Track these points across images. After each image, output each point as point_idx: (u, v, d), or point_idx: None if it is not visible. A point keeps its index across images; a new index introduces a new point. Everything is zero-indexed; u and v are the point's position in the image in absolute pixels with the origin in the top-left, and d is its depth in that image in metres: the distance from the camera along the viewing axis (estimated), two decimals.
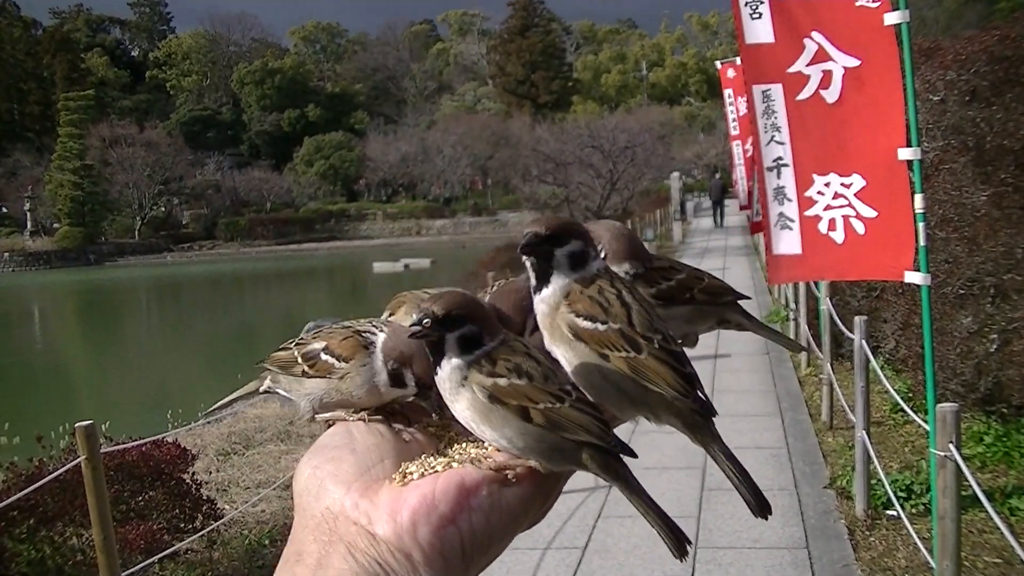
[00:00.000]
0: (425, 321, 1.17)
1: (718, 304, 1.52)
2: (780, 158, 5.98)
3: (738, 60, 19.61)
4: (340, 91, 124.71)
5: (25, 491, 6.66)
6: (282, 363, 1.40)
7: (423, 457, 1.16)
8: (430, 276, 51.78)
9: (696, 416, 1.20)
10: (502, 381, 1.12)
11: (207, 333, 38.35)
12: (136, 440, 8.31)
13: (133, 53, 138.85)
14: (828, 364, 10.89)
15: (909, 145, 5.58)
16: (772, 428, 10.76)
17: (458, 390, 1.14)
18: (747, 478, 1.18)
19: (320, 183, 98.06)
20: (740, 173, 20.09)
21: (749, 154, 18.60)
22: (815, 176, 5.89)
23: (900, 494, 8.05)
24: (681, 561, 1.14)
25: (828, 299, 10.85)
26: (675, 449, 9.69)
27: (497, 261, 28.42)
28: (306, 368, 1.35)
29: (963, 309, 9.04)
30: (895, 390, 8.91)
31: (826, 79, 5.71)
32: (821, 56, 5.71)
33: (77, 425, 6.09)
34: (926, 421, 6.12)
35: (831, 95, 5.74)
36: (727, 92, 20.03)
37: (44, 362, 33.40)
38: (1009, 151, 9.17)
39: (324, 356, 1.33)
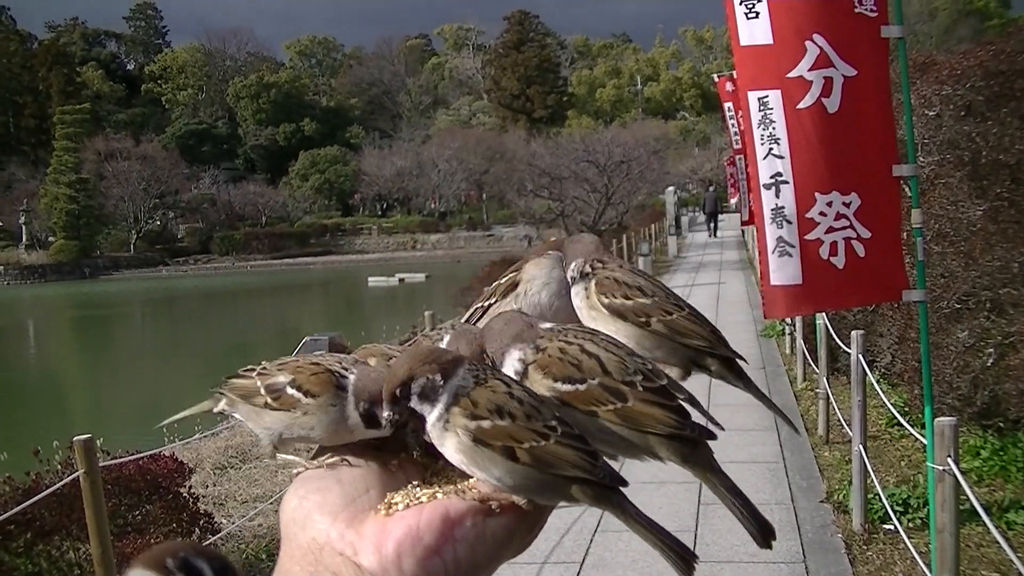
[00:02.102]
0: (387, 420, 1.20)
1: (680, 343, 1.40)
2: (779, 174, 5.47)
3: (735, 74, 19.68)
4: (335, 105, 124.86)
5: (23, 505, 6.65)
6: (243, 391, 1.36)
7: (409, 487, 1.17)
8: (425, 290, 51.75)
9: (695, 450, 1.20)
10: (485, 423, 1.12)
11: (202, 347, 38.26)
12: (133, 454, 8.29)
13: (129, 67, 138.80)
14: (824, 378, 10.91)
15: (904, 161, 5.53)
16: (768, 442, 10.76)
17: (443, 435, 1.14)
18: (751, 509, 1.19)
19: (315, 197, 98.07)
20: (743, 188, 19.91)
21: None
22: (817, 194, 5.42)
23: (897, 508, 8.06)
24: None
25: (824, 313, 10.85)
26: (672, 464, 9.69)
27: (492, 275, 28.15)
28: (269, 400, 1.31)
29: (959, 323, 9.05)
30: (891, 404, 8.93)
31: (827, 86, 5.34)
32: (823, 61, 5.33)
33: (75, 439, 6.10)
34: (923, 435, 6.12)
35: (832, 104, 5.35)
36: (727, 105, 19.87)
37: (39, 376, 33.38)
38: (1005, 165, 9.21)
39: (290, 390, 1.29)
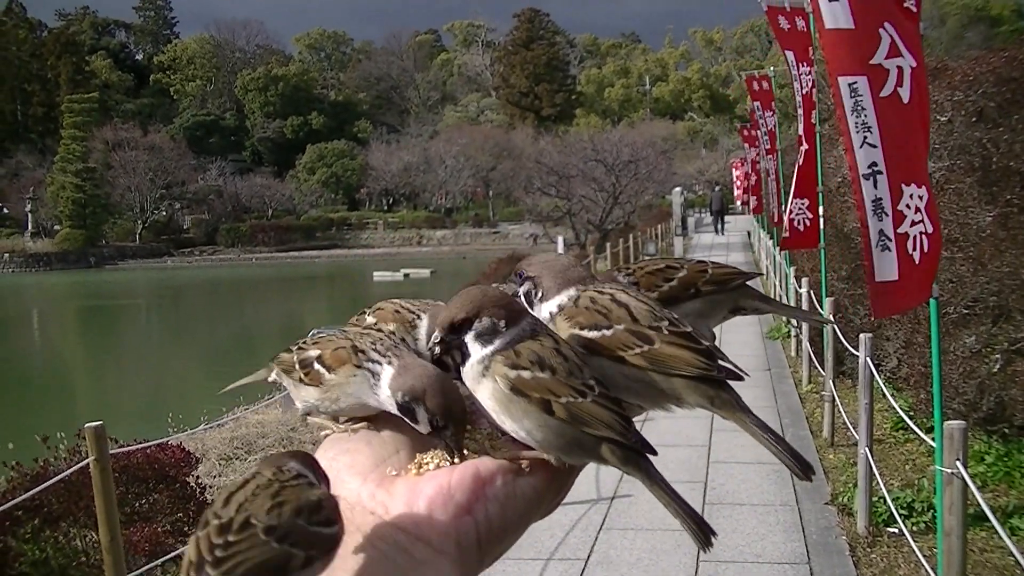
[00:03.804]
0: (435, 345, 1.20)
1: (727, 291, 1.49)
2: (875, 163, 5.29)
3: (757, 73, 19.59)
4: (343, 99, 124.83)
5: (31, 492, 6.68)
6: (284, 366, 1.38)
7: (437, 448, 1.17)
8: (430, 286, 51.73)
9: (721, 392, 1.21)
10: (525, 374, 1.12)
11: (207, 338, 38.35)
12: (141, 443, 8.32)
13: (137, 57, 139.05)
14: (830, 381, 10.91)
15: None
16: None
17: (480, 379, 1.15)
18: (784, 445, 1.18)
19: (322, 191, 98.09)
20: (770, 188, 19.67)
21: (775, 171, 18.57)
22: (903, 186, 5.29)
23: (901, 511, 8.06)
24: (705, 552, 1.13)
25: (832, 316, 10.85)
26: (676, 462, 9.72)
27: (499, 272, 28.38)
28: (302, 375, 1.32)
29: (966, 329, 9.06)
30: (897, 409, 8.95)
31: (900, 76, 5.24)
32: (895, 51, 5.22)
33: (87, 426, 6.11)
34: (930, 438, 6.13)
35: (905, 94, 5.25)
36: (756, 104, 19.68)
37: (44, 364, 33.42)
38: (1015, 172, 9.21)
39: (317, 366, 1.30)
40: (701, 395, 1.21)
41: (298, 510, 0.94)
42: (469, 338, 1.16)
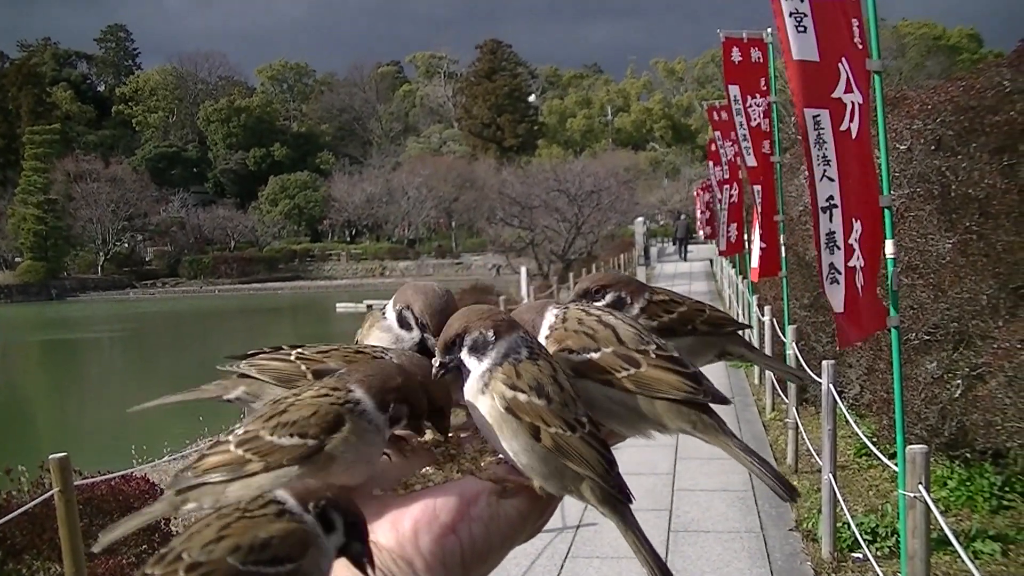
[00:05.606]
0: (436, 368, 1.21)
1: (720, 334, 1.54)
2: (831, 197, 5.34)
3: (718, 103, 19.69)
4: (306, 131, 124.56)
5: None
6: (280, 374, 1.31)
7: (422, 471, 1.20)
8: None
9: (703, 417, 1.24)
10: (521, 396, 1.13)
11: (170, 370, 37.99)
12: (105, 474, 8.25)
13: (99, 88, 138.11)
14: (794, 408, 10.96)
15: (882, 192, 5.58)
16: (738, 471, 10.76)
17: (479, 396, 1.16)
18: (769, 468, 1.22)
19: (284, 222, 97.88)
20: (722, 218, 19.85)
21: (732, 200, 18.69)
22: (853, 220, 5.36)
23: (865, 537, 8.09)
24: None
25: (795, 344, 10.91)
26: (643, 490, 9.72)
27: (462, 303, 28.28)
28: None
29: (928, 355, 9.14)
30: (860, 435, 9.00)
31: (852, 112, 5.31)
32: (849, 87, 5.29)
33: (51, 457, 6.07)
34: (894, 464, 6.18)
35: (854, 130, 5.33)
36: (716, 134, 19.73)
37: (5, 396, 33.07)
38: (974, 199, 9.31)
39: None
40: (684, 419, 1.24)
41: (235, 547, 0.93)
42: (464, 355, 1.19)
